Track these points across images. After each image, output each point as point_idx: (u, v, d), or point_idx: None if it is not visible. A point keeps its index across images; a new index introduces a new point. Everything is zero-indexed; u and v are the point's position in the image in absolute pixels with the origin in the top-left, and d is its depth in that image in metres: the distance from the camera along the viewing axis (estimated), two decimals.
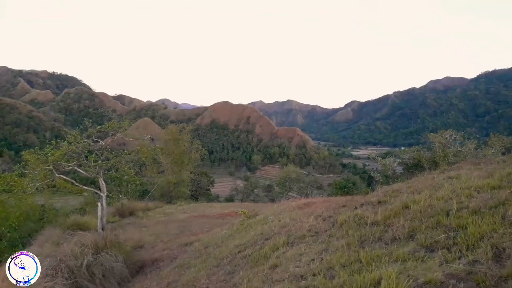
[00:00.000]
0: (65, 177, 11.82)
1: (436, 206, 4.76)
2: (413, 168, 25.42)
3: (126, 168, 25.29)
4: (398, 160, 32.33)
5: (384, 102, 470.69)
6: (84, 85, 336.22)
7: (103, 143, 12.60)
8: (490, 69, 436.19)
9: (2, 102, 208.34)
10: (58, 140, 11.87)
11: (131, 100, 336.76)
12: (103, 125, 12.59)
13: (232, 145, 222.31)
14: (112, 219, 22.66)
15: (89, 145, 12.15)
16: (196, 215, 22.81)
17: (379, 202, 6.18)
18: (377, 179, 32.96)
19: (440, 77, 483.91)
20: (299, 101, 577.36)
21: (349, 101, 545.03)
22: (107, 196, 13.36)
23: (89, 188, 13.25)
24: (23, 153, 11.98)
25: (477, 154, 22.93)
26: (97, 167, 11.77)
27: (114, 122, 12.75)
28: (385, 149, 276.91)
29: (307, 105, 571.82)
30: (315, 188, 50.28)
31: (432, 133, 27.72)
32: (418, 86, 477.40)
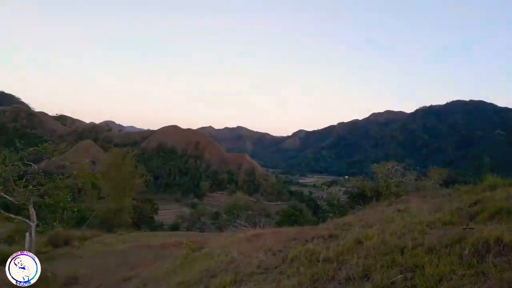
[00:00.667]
0: None
1: (390, 243, 4.62)
2: (357, 197, 26.03)
3: (62, 194, 23.50)
4: (343, 189, 33.14)
5: (329, 132, 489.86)
6: (22, 103, 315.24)
7: (36, 167, 11.44)
8: (427, 104, 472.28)
9: None
10: None
11: (73, 121, 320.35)
12: (36, 147, 11.48)
13: (180, 171, 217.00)
14: (44, 249, 20.76)
15: (19, 168, 10.95)
16: (138, 245, 21.49)
17: (331, 236, 5.99)
18: (323, 207, 33.47)
19: (381, 110, 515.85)
20: (249, 128, 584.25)
21: (297, 130, 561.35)
22: (37, 225, 12.06)
23: (17, 217, 11.88)
24: None
25: (417, 185, 23.98)
26: (27, 193, 10.58)
27: (49, 145, 11.67)
28: (330, 177, 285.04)
29: (257, 132, 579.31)
30: (263, 216, 50.00)
31: (375, 164, 28.74)
32: (361, 118, 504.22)
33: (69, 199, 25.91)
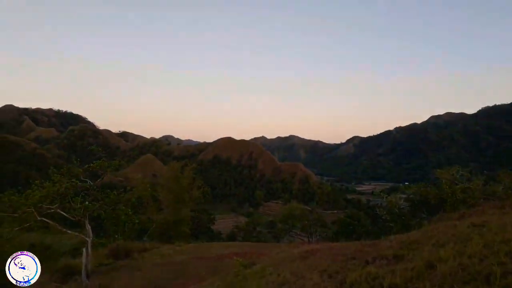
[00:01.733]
0: (47, 220, 10.87)
1: (470, 268, 3.83)
2: (420, 205, 24.29)
3: (123, 207, 24.29)
4: (404, 196, 31.25)
5: (385, 138, 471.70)
6: (89, 122, 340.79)
7: (91, 183, 11.74)
8: (491, 104, 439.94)
9: (7, 139, 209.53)
10: (42, 181, 11.03)
11: (135, 137, 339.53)
12: (91, 164, 11.79)
13: (235, 181, 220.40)
14: (106, 261, 21.50)
15: (75, 185, 11.28)
16: (194, 256, 21.51)
17: (395, 257, 5.22)
18: (383, 217, 31.77)
19: (441, 112, 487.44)
20: (301, 136, 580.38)
21: (351, 137, 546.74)
22: (94, 238, 12.37)
23: (74, 232, 12.23)
24: (5, 193, 11.10)
25: (486, 191, 21.89)
26: (83, 210, 10.84)
27: (103, 161, 11.93)
28: (388, 185, 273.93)
29: (309, 140, 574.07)
30: (318, 226, 48.57)
31: (438, 169, 26.82)
32: (419, 121, 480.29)
33: (130, 212, 26.89)
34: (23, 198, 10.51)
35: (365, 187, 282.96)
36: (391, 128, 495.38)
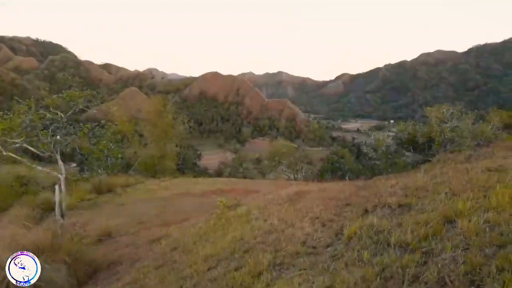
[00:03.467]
0: (13, 155, 9.96)
1: (500, 225, 3.12)
2: (407, 143, 24.05)
3: (104, 141, 23.46)
4: (392, 134, 31.04)
5: (375, 75, 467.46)
6: (69, 52, 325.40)
7: (62, 115, 10.66)
8: (482, 42, 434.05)
9: None
10: (6, 112, 9.91)
11: (118, 69, 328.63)
12: (61, 95, 10.64)
13: (222, 117, 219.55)
14: (88, 196, 21.12)
15: (44, 117, 10.21)
16: (179, 192, 21.25)
17: (400, 206, 4.53)
18: (369, 155, 31.77)
19: (432, 50, 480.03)
20: (290, 73, 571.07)
21: (340, 74, 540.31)
22: (69, 175, 11.60)
23: (44, 169, 11.39)
24: None
25: (475, 130, 21.63)
26: (52, 144, 9.91)
27: (74, 91, 10.77)
28: (374, 122, 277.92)
29: (298, 77, 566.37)
30: (305, 163, 48.91)
31: (429, 107, 26.29)
32: (409, 59, 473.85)
33: (111, 146, 26.09)
34: None
35: (351, 125, 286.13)
36: (381, 65, 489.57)
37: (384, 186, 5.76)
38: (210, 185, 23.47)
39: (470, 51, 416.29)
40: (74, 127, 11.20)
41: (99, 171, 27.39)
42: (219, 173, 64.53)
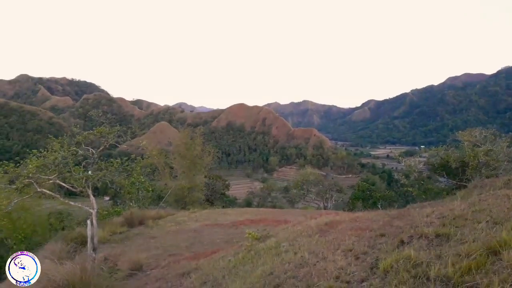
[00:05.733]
0: (47, 191, 10.28)
1: None
2: (440, 168, 23.23)
3: (136, 175, 23.89)
4: (424, 159, 30.16)
5: (401, 101, 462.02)
6: (102, 90, 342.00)
7: (93, 151, 11.02)
8: (511, 64, 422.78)
9: (23, 109, 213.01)
10: (41, 150, 10.35)
11: (149, 104, 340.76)
12: (91, 131, 11.03)
13: (249, 147, 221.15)
14: (120, 229, 21.38)
15: (76, 153, 10.58)
16: (209, 223, 21.19)
17: (438, 236, 4.28)
18: (401, 181, 30.87)
19: (459, 73, 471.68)
20: (314, 101, 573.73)
21: (366, 100, 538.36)
22: (99, 210, 11.84)
23: (75, 204, 11.68)
24: None
25: (510, 153, 20.71)
26: (84, 180, 10.19)
27: (104, 128, 11.15)
28: (404, 148, 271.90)
29: (323, 105, 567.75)
30: (334, 191, 47.99)
31: (460, 131, 25.50)
32: (436, 83, 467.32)
33: (142, 179, 26.52)
34: (20, 168, 9.88)
35: (380, 151, 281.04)
36: (407, 90, 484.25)
37: (420, 215, 5.49)
38: (239, 216, 23.35)
39: (499, 73, 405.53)
40: (105, 162, 11.49)
41: (131, 204, 27.94)
42: (248, 203, 64.30)
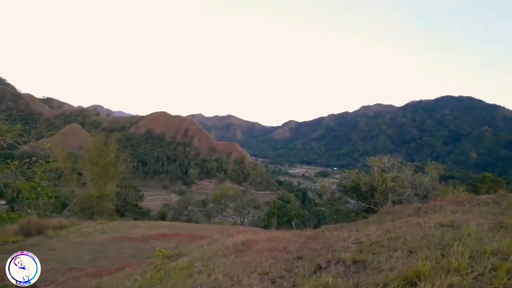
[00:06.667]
0: None
1: (466, 287, 2.91)
2: (351, 191, 24.67)
3: (37, 179, 21.40)
4: (337, 180, 31.86)
5: (319, 124, 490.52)
6: (8, 84, 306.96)
7: None
8: (417, 99, 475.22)
9: None
10: None
11: (61, 104, 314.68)
12: None
13: (168, 158, 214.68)
14: (13, 238, 18.87)
15: None
16: (117, 236, 19.74)
17: (355, 263, 4.24)
18: (316, 201, 32.15)
19: (372, 103, 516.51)
20: (239, 117, 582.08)
21: (287, 121, 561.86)
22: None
23: None
24: None
25: (414, 181, 22.74)
26: None
27: (1, 125, 9.71)
28: (319, 168, 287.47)
29: (247, 121, 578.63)
30: (252, 207, 48.43)
31: (371, 157, 27.43)
32: (351, 110, 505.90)
33: (44, 185, 23.99)
34: None
35: (297, 170, 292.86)
36: (325, 114, 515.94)
37: (336, 239, 5.49)
38: (151, 229, 22.21)
39: (406, 106, 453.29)
40: (1, 163, 10.04)
41: (29, 210, 25.02)
42: (162, 216, 61.88)
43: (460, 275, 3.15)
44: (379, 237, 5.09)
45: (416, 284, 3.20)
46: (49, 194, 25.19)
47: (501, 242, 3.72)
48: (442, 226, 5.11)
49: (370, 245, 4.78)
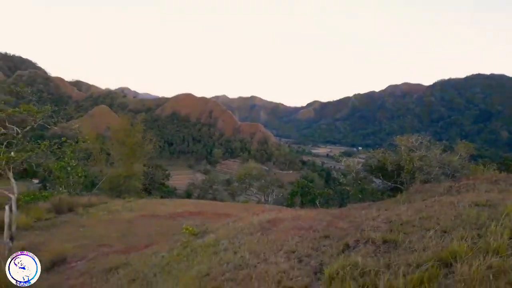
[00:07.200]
0: None
1: (508, 272, 2.74)
2: (377, 170, 24.19)
3: (67, 159, 22.01)
4: (362, 160, 31.35)
5: (344, 104, 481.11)
6: (39, 68, 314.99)
7: (18, 130, 9.78)
8: (446, 77, 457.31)
9: None
10: None
11: (89, 86, 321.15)
12: (16, 109, 9.76)
13: (193, 138, 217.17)
14: (46, 216, 19.66)
15: None
16: (144, 214, 20.28)
17: (386, 242, 4.10)
18: (340, 180, 31.85)
19: (399, 82, 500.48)
20: (263, 98, 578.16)
21: (311, 101, 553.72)
22: (18, 195, 10.57)
23: None
24: None
25: (443, 160, 22.06)
26: (4, 162, 8.96)
27: (31, 106, 9.92)
28: (343, 148, 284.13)
29: (271, 102, 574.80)
30: (275, 186, 48.55)
31: (398, 136, 26.76)
32: (377, 90, 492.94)
33: (73, 164, 24.74)
34: None
35: (321, 150, 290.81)
36: (350, 94, 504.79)
37: (364, 218, 5.35)
38: (178, 207, 22.65)
39: (435, 84, 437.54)
40: (31, 144, 10.29)
41: (60, 189, 25.93)
42: (188, 194, 63.11)
43: (500, 256, 2.97)
44: (410, 217, 4.92)
45: (451, 265, 3.06)
46: (79, 174, 26.05)
47: None
48: (477, 205, 4.88)
49: (401, 224, 4.62)
